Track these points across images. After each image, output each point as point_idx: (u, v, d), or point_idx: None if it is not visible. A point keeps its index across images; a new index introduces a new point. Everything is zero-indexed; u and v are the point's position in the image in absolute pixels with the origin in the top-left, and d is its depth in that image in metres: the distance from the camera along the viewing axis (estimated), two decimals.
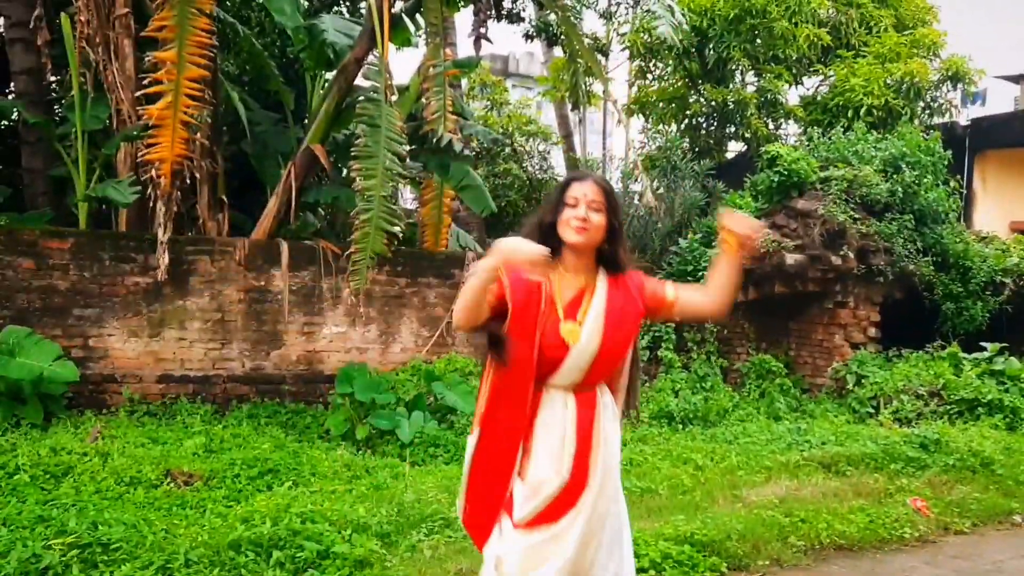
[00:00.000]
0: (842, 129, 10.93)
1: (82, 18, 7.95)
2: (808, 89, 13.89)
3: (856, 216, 9.21)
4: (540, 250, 2.22)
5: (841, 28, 13.06)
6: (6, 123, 10.88)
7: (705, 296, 2.61)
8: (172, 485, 5.19)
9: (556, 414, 2.43)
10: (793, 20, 12.29)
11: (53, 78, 9.19)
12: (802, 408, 8.75)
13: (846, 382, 8.91)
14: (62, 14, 8.24)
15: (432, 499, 4.87)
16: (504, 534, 2.42)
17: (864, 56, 12.58)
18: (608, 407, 2.54)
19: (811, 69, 13.25)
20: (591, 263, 2.52)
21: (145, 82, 7.31)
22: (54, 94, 9.71)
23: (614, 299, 2.50)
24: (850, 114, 11.91)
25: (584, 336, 2.41)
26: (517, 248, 2.22)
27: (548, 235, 2.46)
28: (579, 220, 2.43)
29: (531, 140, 15.75)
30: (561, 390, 2.45)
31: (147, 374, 7.63)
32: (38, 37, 8.47)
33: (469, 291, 2.32)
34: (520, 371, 2.40)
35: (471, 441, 2.51)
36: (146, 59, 7.64)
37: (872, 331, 9.42)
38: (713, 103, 12.84)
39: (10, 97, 9.56)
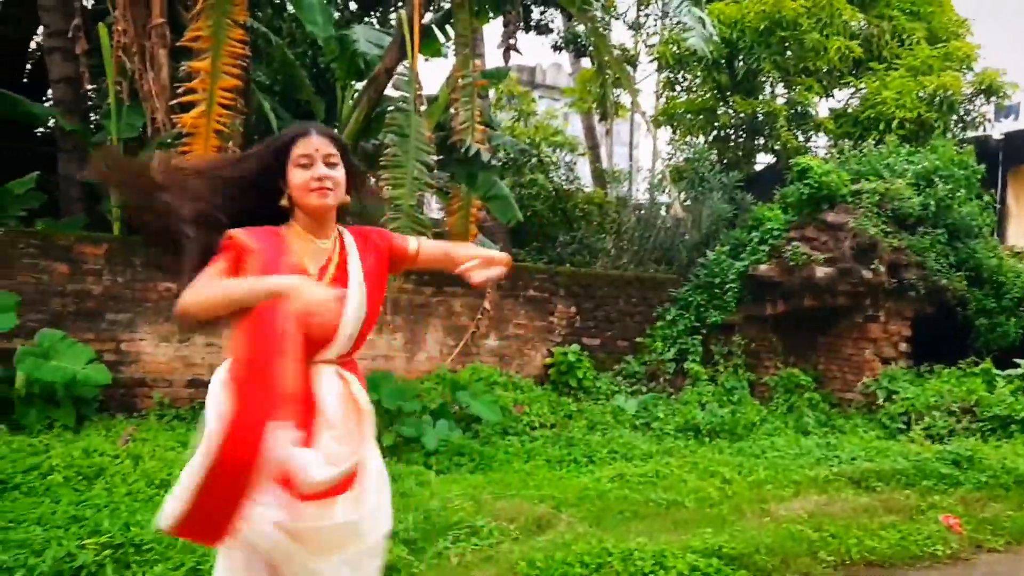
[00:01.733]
0: (874, 142, 10.84)
1: (119, 28, 8.09)
2: (839, 102, 13.82)
3: (888, 230, 9.11)
4: (332, 297, 2.01)
5: (873, 40, 12.97)
6: (43, 130, 11.10)
7: (446, 256, 2.48)
8: None
9: (332, 390, 2.22)
10: (824, 32, 12.22)
11: (90, 86, 9.36)
12: (831, 423, 8.65)
13: (876, 397, 8.80)
14: (100, 24, 8.40)
15: (458, 507, 4.87)
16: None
17: (896, 69, 12.48)
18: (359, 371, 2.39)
19: (842, 81, 13.16)
20: (333, 222, 2.31)
21: (179, 91, 7.42)
22: (90, 102, 9.87)
23: (367, 258, 2.33)
24: (882, 127, 11.82)
25: (349, 304, 2.22)
26: (312, 302, 1.97)
27: (267, 199, 2.24)
28: (319, 181, 2.20)
29: (557, 151, 15.77)
30: (331, 364, 2.25)
31: (177, 379, 7.71)
32: (76, 46, 8.63)
33: (230, 295, 2.07)
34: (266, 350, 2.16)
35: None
36: (181, 68, 7.76)
37: (903, 346, 9.31)
38: (742, 115, 12.79)
39: (48, 105, 9.74)
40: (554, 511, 5.05)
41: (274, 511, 2.12)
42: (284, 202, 2.27)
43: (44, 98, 10.79)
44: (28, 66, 12.31)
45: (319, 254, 2.27)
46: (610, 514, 5.09)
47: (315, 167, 2.21)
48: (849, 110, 13.11)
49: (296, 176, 2.22)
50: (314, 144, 2.23)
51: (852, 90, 13.35)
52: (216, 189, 2.26)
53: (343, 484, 2.20)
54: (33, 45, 12.17)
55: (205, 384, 7.87)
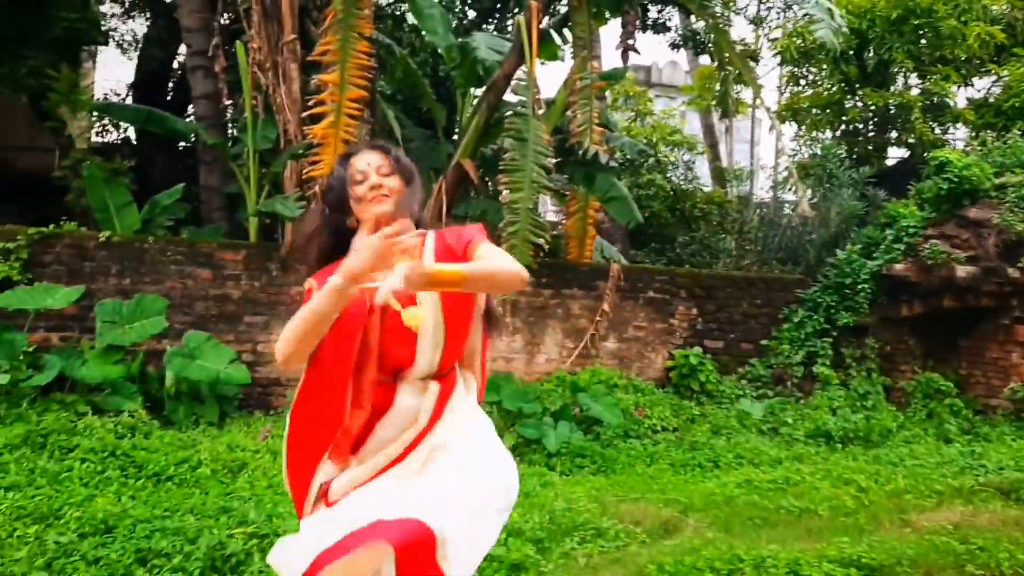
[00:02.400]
0: (1019, 132, 10.15)
1: (254, 45, 8.53)
2: (979, 91, 13.03)
3: None
4: (379, 239, 1.98)
5: (1016, 25, 12.17)
6: (186, 144, 11.83)
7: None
8: None
9: (412, 407, 2.19)
10: (962, 18, 11.55)
11: (228, 102, 9.91)
12: (975, 431, 8.14)
13: None
14: (237, 42, 8.87)
15: (583, 508, 4.88)
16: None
17: None
18: (462, 388, 2.31)
19: (982, 69, 12.40)
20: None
21: (310, 103, 7.76)
22: (229, 117, 10.45)
23: (440, 252, 2.25)
24: None
25: (430, 316, 2.17)
26: (361, 257, 1.99)
27: (342, 231, 2.28)
28: (374, 188, 2.23)
29: (675, 150, 15.52)
30: (419, 382, 2.21)
31: None
32: (216, 64, 9.15)
33: (305, 317, 2.07)
34: (337, 374, 2.16)
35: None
36: (311, 82, 8.11)
37: None
38: (873, 108, 12.26)
39: (190, 120, 10.37)
40: (680, 515, 4.99)
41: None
42: (352, 223, 2.31)
43: (186, 114, 11.49)
44: (171, 85, 13.15)
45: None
46: (739, 520, 4.98)
47: (369, 178, 2.27)
48: (991, 99, 12.34)
49: (354, 192, 2.28)
50: (365, 159, 2.30)
51: (994, 78, 12.56)
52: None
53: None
54: (176, 65, 13.00)
55: None
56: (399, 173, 2.30)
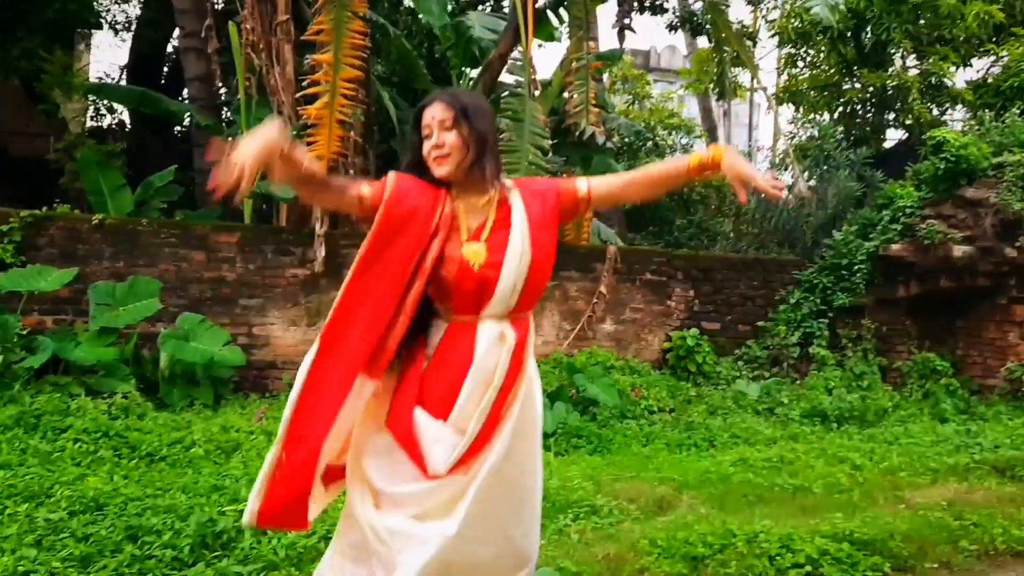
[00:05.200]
0: (1017, 112, 10.09)
1: (247, 26, 8.46)
2: (978, 71, 12.96)
3: None
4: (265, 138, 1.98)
5: (1016, 4, 12.07)
6: (180, 127, 11.78)
7: (625, 186, 2.43)
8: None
9: (493, 346, 2.22)
10: None
11: (221, 84, 9.86)
12: (971, 410, 8.13)
13: (1022, 384, 8.23)
14: (230, 23, 8.81)
15: (577, 487, 4.87)
16: (408, 493, 2.17)
17: None
18: (533, 338, 2.36)
19: (981, 49, 12.32)
20: (479, 181, 2.28)
21: (304, 84, 7.71)
22: (222, 98, 10.40)
23: (531, 207, 2.30)
24: None
25: (511, 256, 2.21)
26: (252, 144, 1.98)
27: (425, 172, 2.28)
28: (435, 149, 2.23)
29: (673, 134, 15.49)
30: (495, 320, 2.24)
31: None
32: (208, 46, 9.10)
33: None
34: (382, 288, 2.19)
35: (305, 360, 2.23)
36: (305, 62, 8.05)
37: None
38: (871, 89, 12.19)
39: (184, 102, 10.32)
40: (675, 493, 4.98)
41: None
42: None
43: (180, 96, 11.43)
44: (165, 67, 13.08)
45: (477, 212, 2.28)
46: (733, 497, 4.97)
47: (433, 136, 2.25)
48: (989, 80, 12.27)
49: (424, 148, 2.28)
50: (431, 113, 2.26)
51: (992, 58, 12.49)
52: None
53: (462, 460, 2.19)
54: (170, 48, 12.93)
55: None
56: (465, 123, 2.24)
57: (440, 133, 2.23)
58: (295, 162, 2.10)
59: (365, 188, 2.24)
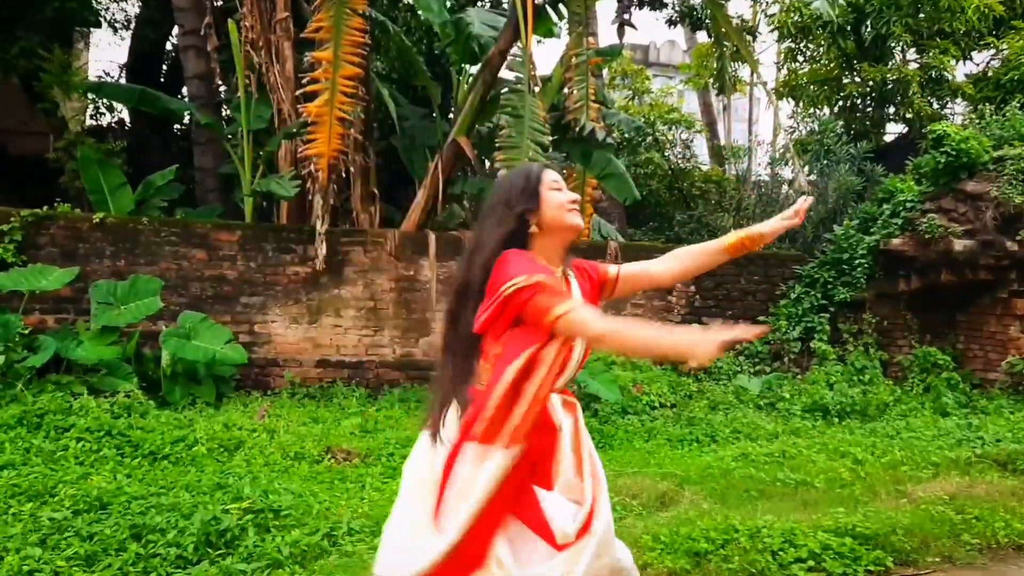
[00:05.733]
0: (1017, 105, 10.08)
1: (247, 24, 8.46)
2: (978, 65, 12.92)
3: None
4: (717, 346, 1.97)
5: None
6: (180, 126, 11.76)
7: (656, 270, 2.53)
8: (332, 461, 5.45)
9: (566, 416, 2.32)
10: None
11: (221, 82, 9.84)
12: (973, 404, 8.14)
13: (1023, 377, 8.23)
14: (229, 21, 8.80)
15: None
16: (546, 567, 2.14)
17: None
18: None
19: (981, 43, 12.29)
20: (567, 249, 2.38)
21: (304, 81, 7.70)
22: (222, 96, 10.39)
23: (583, 287, 2.40)
24: None
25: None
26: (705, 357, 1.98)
27: (525, 226, 2.28)
28: (574, 203, 2.31)
29: (673, 129, 15.46)
30: (558, 392, 2.32)
31: (306, 359, 8.04)
32: (208, 44, 9.09)
33: (649, 346, 2.15)
34: (552, 375, 2.23)
35: (505, 460, 2.16)
36: (305, 60, 8.05)
37: None
38: (871, 83, 12.17)
39: (184, 100, 10.31)
40: (677, 488, 4.99)
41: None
42: (533, 228, 2.31)
43: (180, 95, 11.42)
44: (165, 66, 13.06)
45: (559, 282, 2.31)
46: (735, 492, 4.98)
47: (565, 191, 2.34)
48: (989, 73, 12.24)
49: (554, 198, 2.30)
50: (558, 175, 2.38)
51: (992, 52, 12.46)
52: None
53: (586, 523, 2.22)
54: (169, 46, 12.91)
55: (333, 364, 8.21)
56: None
57: (568, 191, 2.35)
58: None
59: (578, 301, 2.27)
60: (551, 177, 2.33)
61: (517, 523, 2.21)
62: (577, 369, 2.32)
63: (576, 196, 2.34)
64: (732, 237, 2.49)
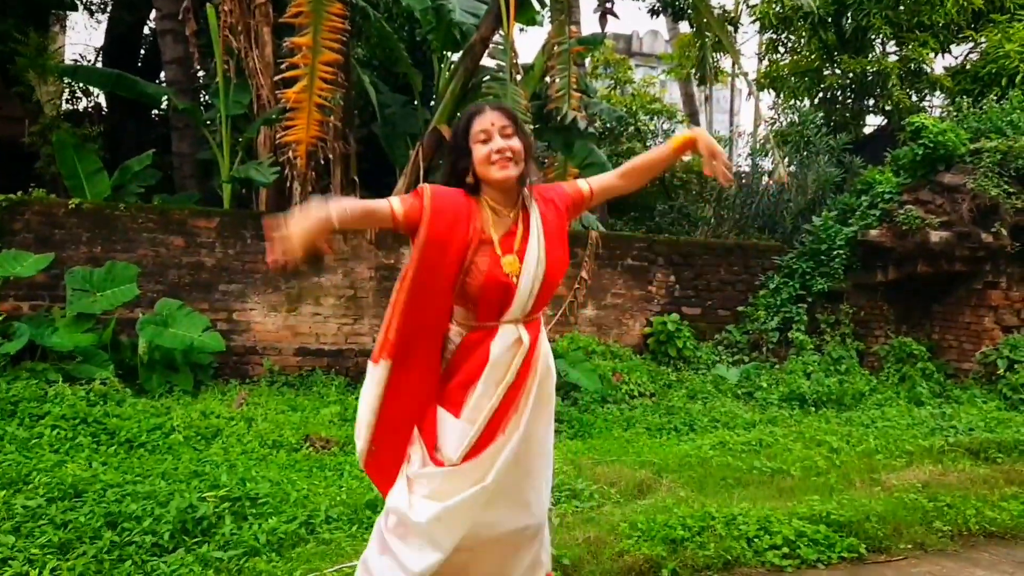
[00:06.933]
0: (995, 98, 10.18)
1: (225, 8, 8.35)
2: (956, 57, 13.03)
3: (1011, 190, 8.57)
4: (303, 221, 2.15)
5: None
6: (157, 111, 11.62)
7: (619, 179, 2.60)
8: (311, 449, 5.44)
9: (509, 349, 2.37)
10: None
11: (199, 67, 9.72)
12: (946, 394, 8.25)
13: (997, 367, 8.34)
14: (207, 5, 8.69)
15: (558, 471, 4.88)
16: (423, 476, 2.37)
17: (1020, 20, 11.65)
18: (544, 335, 2.54)
19: (960, 36, 12.39)
20: (516, 192, 2.42)
21: (283, 67, 7.62)
22: (200, 82, 10.27)
23: (547, 215, 2.45)
24: (1004, 82, 11.07)
25: (528, 264, 2.36)
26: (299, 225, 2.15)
27: (462, 180, 2.38)
28: (500, 153, 2.33)
29: (655, 119, 15.48)
30: (512, 324, 2.38)
31: (285, 347, 8.00)
32: (186, 28, 8.97)
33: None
34: (435, 303, 2.36)
35: (379, 372, 2.38)
36: (283, 45, 7.96)
37: None
38: (851, 75, 12.24)
39: (162, 85, 10.19)
40: (655, 477, 5.02)
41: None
42: (470, 179, 2.40)
43: (157, 79, 11.28)
44: (142, 50, 12.89)
45: (504, 223, 2.40)
46: (712, 481, 5.02)
47: (492, 140, 2.34)
48: (967, 66, 12.35)
49: (478, 151, 2.36)
50: (489, 119, 2.37)
51: (971, 44, 12.57)
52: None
53: (478, 445, 2.35)
54: (146, 30, 12.74)
55: (312, 352, 8.17)
56: (520, 134, 2.38)
57: (502, 139, 2.35)
58: (345, 225, 2.26)
59: (397, 204, 2.32)
60: (477, 127, 2.36)
61: (415, 434, 2.43)
62: (536, 300, 2.39)
63: (503, 144, 2.33)
64: (675, 141, 2.54)
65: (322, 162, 8.25)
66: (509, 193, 2.41)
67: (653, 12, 14.10)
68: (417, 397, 2.39)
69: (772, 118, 14.17)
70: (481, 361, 2.36)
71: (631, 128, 14.59)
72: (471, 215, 2.35)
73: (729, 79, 20.13)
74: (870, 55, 12.66)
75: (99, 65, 12.24)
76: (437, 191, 2.34)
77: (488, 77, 8.39)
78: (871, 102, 12.96)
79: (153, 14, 10.22)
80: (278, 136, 7.90)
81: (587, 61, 15.04)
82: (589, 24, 20.76)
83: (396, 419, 2.40)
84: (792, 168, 11.45)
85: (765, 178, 12.44)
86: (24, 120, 9.59)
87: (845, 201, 9.77)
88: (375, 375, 2.39)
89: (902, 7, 11.98)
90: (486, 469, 2.32)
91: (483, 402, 2.34)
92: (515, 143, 2.35)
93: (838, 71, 12.94)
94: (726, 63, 15.74)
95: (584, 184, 2.60)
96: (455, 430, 2.35)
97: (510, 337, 2.38)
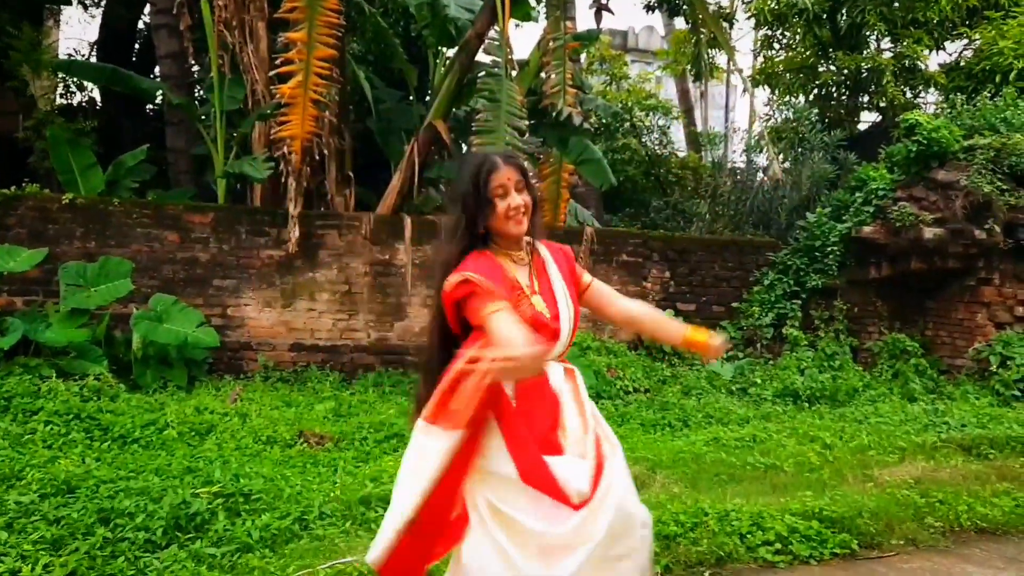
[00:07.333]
0: (988, 95, 10.20)
1: (220, 3, 8.33)
2: (951, 54, 13.05)
3: (1004, 187, 8.59)
4: (538, 350, 2.15)
5: None
6: (152, 106, 11.59)
7: (615, 306, 2.67)
8: (305, 445, 5.44)
9: (566, 383, 2.39)
10: None
11: (194, 62, 9.70)
12: (939, 390, 8.28)
13: (989, 364, 8.37)
14: (202, 0, 8.67)
15: None
16: (554, 530, 2.21)
17: (1015, 16, 11.67)
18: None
19: (954, 32, 12.41)
20: (523, 238, 2.47)
21: (277, 62, 7.61)
22: (195, 77, 10.24)
23: (561, 265, 2.52)
24: (998, 79, 11.09)
25: (560, 302, 2.41)
26: (524, 356, 2.09)
27: (474, 231, 2.39)
28: (517, 210, 2.36)
29: (651, 115, 15.48)
30: (555, 362, 2.41)
31: (280, 343, 8.00)
32: (181, 23, 8.94)
33: (472, 391, 2.13)
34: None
35: (448, 442, 2.24)
36: (278, 40, 7.95)
37: (1020, 310, 8.78)
38: (845, 71, 12.26)
39: (156, 80, 10.16)
40: (649, 472, 5.03)
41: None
42: (481, 230, 2.41)
43: (152, 74, 11.25)
44: (136, 45, 12.84)
45: (521, 267, 2.45)
46: (706, 476, 5.03)
47: (510, 196, 2.37)
48: (962, 63, 12.37)
49: (497, 207, 2.37)
50: (505, 175, 2.38)
51: (965, 41, 12.59)
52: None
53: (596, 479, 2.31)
54: (141, 25, 12.69)
55: (307, 348, 8.16)
56: (528, 188, 2.42)
57: (516, 194, 2.37)
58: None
59: (506, 305, 2.27)
60: (496, 183, 2.37)
61: (535, 492, 2.26)
62: (570, 338, 2.43)
63: (519, 202, 2.37)
64: (688, 336, 2.56)
65: (317, 157, 8.24)
66: (519, 242, 2.46)
67: (649, 8, 14.09)
68: (468, 458, 2.31)
69: (767, 114, 14.21)
70: (552, 403, 2.35)
71: (627, 124, 14.59)
72: (500, 268, 2.38)
73: (724, 75, 20.14)
74: (865, 52, 12.67)
75: (93, 60, 12.21)
76: (476, 269, 2.32)
77: (483, 73, 8.38)
78: (866, 99, 12.98)
79: (148, 9, 10.21)
80: (273, 131, 7.89)
81: (582, 57, 15.03)
82: (585, 20, 20.77)
83: (450, 486, 2.30)
84: (787, 164, 11.46)
85: (760, 174, 12.47)
86: (18, 115, 9.57)
87: (839, 198, 9.78)
88: (440, 444, 2.26)
89: (897, 4, 12.00)
90: (606, 499, 2.28)
91: (578, 435, 2.33)
92: (527, 198, 2.40)
93: (833, 68, 12.96)
94: (722, 59, 15.73)
95: (587, 276, 2.66)
96: (569, 466, 2.27)
97: (559, 372, 2.41)
